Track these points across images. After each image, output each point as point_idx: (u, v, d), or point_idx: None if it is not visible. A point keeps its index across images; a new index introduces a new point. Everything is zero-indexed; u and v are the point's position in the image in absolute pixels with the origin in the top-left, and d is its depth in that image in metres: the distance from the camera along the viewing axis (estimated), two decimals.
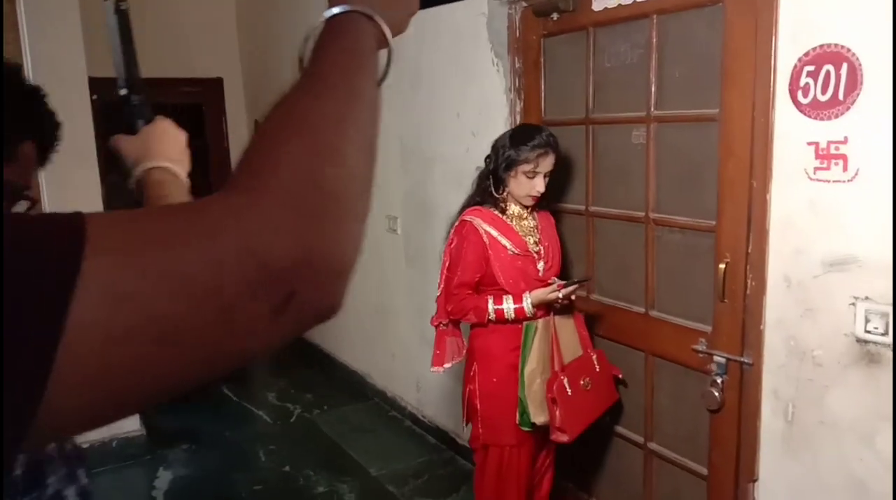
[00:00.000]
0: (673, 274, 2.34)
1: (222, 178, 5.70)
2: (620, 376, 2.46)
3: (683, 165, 2.25)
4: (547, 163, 2.26)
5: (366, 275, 4.32)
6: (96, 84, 3.82)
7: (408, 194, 3.70)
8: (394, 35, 0.64)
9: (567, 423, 2.22)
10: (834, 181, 1.82)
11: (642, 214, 2.37)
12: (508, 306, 2.24)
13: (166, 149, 1.00)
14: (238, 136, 5.81)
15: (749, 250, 2.04)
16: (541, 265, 2.33)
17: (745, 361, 2.09)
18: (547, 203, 2.51)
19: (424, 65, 3.37)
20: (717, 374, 2.17)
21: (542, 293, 2.23)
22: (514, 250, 2.29)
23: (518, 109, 2.81)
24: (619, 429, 2.62)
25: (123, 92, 0.98)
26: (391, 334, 4.07)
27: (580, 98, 2.55)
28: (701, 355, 2.22)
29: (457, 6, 3.05)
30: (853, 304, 1.82)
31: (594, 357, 2.36)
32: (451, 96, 3.22)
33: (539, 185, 2.27)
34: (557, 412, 2.21)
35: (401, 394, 4.07)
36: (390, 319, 4.06)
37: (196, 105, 5.68)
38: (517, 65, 2.77)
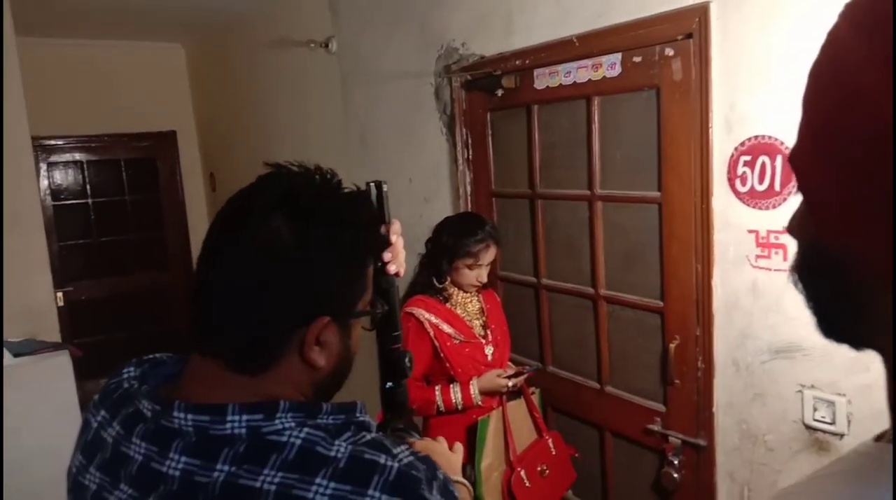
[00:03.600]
0: (626, 351, 2.33)
1: (176, 231, 5.63)
2: (577, 455, 2.42)
3: (630, 243, 2.24)
4: (489, 255, 2.25)
5: None
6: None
7: None
8: None
9: None
10: (775, 270, 1.82)
11: (592, 290, 2.37)
12: (456, 395, 2.20)
13: (454, 460, 1.14)
14: (192, 187, 5.72)
15: (697, 333, 2.03)
16: (489, 350, 2.30)
17: (700, 443, 2.08)
18: (490, 282, 2.48)
19: (374, 127, 3.34)
20: (673, 454, 2.16)
21: (488, 380, 2.21)
22: (459, 337, 2.25)
23: (468, 180, 2.79)
24: None
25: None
26: (350, 395, 3.99)
27: (527, 171, 2.54)
28: (656, 435, 2.20)
29: (404, 73, 3.04)
30: (800, 391, 1.82)
31: (550, 441, 2.32)
32: (402, 161, 3.19)
33: (482, 276, 2.26)
34: None
35: None
36: (354, 382, 3.99)
37: (149, 159, 5.59)
38: (465, 136, 2.76)
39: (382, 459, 0.74)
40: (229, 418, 0.75)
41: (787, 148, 1.75)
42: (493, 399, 2.27)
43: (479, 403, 2.21)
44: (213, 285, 0.80)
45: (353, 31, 3.36)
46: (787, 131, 1.75)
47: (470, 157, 2.77)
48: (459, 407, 2.20)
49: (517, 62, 2.42)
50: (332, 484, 0.71)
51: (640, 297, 2.21)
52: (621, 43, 2.08)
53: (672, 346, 2.10)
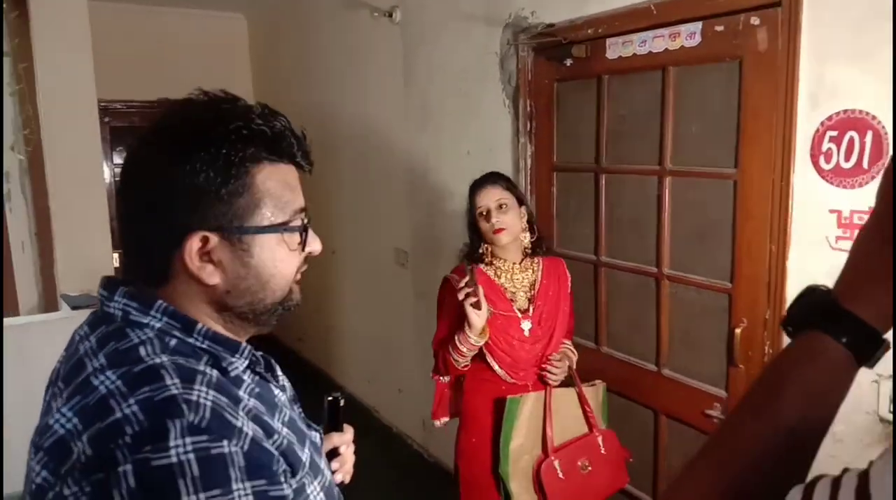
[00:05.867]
0: (688, 333, 2.26)
1: None
2: (631, 459, 2.29)
3: (699, 221, 2.17)
4: (489, 196, 2.12)
5: (374, 307, 4.26)
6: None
7: (417, 229, 3.64)
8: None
9: None
10: None
11: (655, 269, 2.30)
12: (458, 338, 2.06)
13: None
14: None
15: (767, 316, 1.95)
16: (526, 325, 2.17)
17: None
18: (560, 251, 2.42)
19: (434, 99, 3.31)
20: None
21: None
22: (493, 310, 2.12)
23: (529, 152, 2.74)
24: (629, 488, 2.53)
25: None
26: (398, 368, 4.00)
27: (592, 145, 2.48)
28: (715, 421, 2.13)
29: (468, 44, 2.99)
30: (876, 381, 1.73)
31: (599, 438, 2.17)
32: (460, 134, 3.15)
33: (501, 222, 2.10)
34: (545, 495, 2.08)
35: (407, 431, 3.99)
36: (397, 353, 4.00)
37: None
38: (529, 108, 2.70)
39: (170, 381, 0.73)
40: (116, 297, 0.82)
41: (879, 123, 1.66)
42: (529, 377, 2.18)
43: (480, 327, 2.00)
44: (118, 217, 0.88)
45: (419, 0, 3.32)
46: (879, 106, 1.65)
47: (533, 129, 2.72)
48: (465, 351, 2.07)
49: (589, 31, 2.35)
50: (117, 382, 0.73)
51: (706, 277, 2.14)
52: (703, 11, 2.00)
53: (739, 329, 2.02)
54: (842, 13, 1.70)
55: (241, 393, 0.80)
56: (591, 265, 2.56)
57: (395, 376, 4.05)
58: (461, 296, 1.99)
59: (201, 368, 0.77)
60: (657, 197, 2.26)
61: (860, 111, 1.69)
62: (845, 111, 1.72)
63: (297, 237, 0.88)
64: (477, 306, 1.98)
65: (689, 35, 2.06)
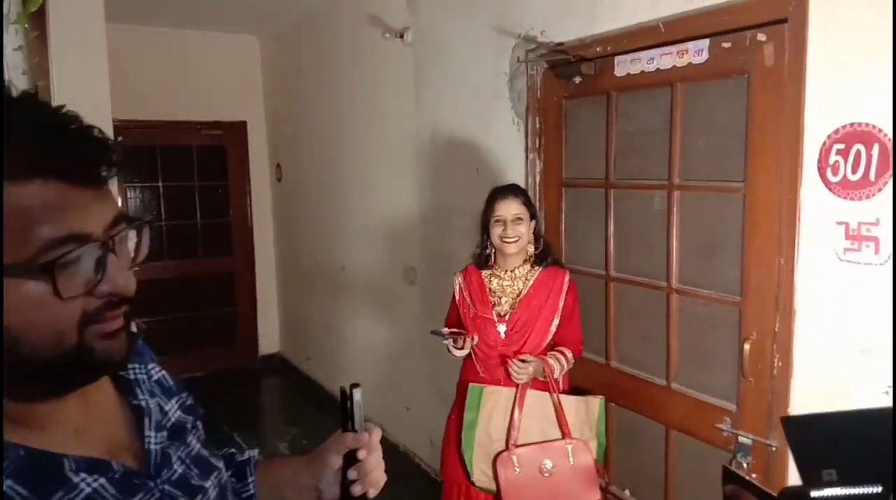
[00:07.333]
0: (696, 347, 2.26)
1: (241, 219, 5.75)
2: (604, 479, 2.42)
3: (707, 235, 2.19)
4: (507, 208, 2.30)
5: (382, 325, 4.28)
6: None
7: (425, 245, 3.67)
8: None
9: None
10: (865, 264, 1.75)
11: (664, 283, 2.31)
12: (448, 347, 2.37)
13: None
14: (258, 177, 5.84)
15: (776, 329, 1.96)
16: (502, 328, 2.35)
17: (772, 444, 2.00)
18: (565, 264, 2.50)
19: (444, 117, 3.36)
20: (742, 455, 2.08)
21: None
22: (473, 309, 2.40)
23: (538, 169, 2.77)
24: None
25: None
26: (405, 386, 4.00)
27: (601, 161, 2.51)
28: (725, 434, 2.13)
29: (478, 63, 3.04)
30: (887, 393, 1.73)
31: (569, 447, 2.23)
32: (470, 151, 3.19)
33: (509, 230, 2.29)
34: (499, 485, 2.22)
35: (414, 449, 3.98)
36: (405, 371, 4.00)
37: (220, 147, 5.73)
38: (538, 125, 2.74)
39: None
40: None
41: (885, 135, 1.68)
42: (500, 374, 2.32)
43: (452, 344, 2.33)
44: None
45: (430, 21, 3.38)
46: (885, 118, 1.68)
47: (542, 146, 2.75)
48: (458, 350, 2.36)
49: (598, 49, 2.40)
50: None
51: (715, 291, 2.15)
52: (710, 28, 2.04)
53: (748, 342, 2.03)
54: (847, 28, 1.74)
55: None
56: (600, 280, 2.58)
57: (402, 394, 4.05)
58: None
59: None
60: (666, 212, 2.28)
61: (866, 124, 1.72)
62: (852, 124, 1.75)
63: (41, 282, 0.63)
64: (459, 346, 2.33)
65: (696, 52, 2.09)
